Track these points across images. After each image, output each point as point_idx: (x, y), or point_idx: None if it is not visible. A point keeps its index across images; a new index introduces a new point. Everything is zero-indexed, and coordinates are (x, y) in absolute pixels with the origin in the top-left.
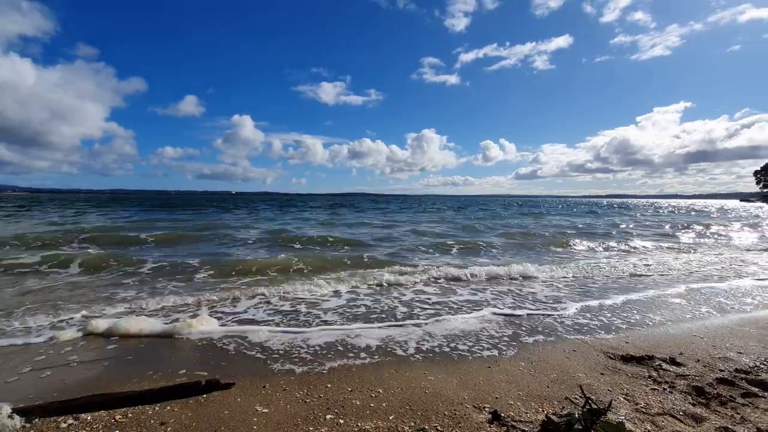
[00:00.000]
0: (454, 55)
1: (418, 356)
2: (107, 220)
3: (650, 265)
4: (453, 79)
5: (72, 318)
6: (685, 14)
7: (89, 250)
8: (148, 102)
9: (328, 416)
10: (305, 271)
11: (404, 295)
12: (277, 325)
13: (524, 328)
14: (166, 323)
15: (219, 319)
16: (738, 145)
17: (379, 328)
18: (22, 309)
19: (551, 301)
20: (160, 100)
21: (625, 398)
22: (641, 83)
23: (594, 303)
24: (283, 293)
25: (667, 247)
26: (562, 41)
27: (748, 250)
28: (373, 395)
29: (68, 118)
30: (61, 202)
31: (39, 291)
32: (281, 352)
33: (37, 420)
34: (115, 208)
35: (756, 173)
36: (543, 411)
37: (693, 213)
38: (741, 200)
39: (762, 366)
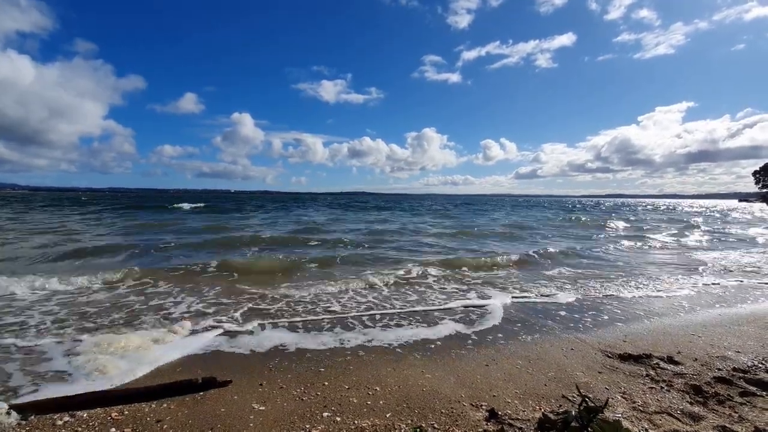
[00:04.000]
0: (456, 53)
1: (416, 354)
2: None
3: None
4: (454, 78)
5: None
6: (690, 12)
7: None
8: (147, 100)
9: (325, 414)
10: None
11: None
12: None
13: (522, 326)
14: None
15: None
16: (739, 145)
17: None
18: None
19: None
20: (159, 97)
21: (622, 396)
22: (644, 82)
23: None
24: None
25: None
26: (566, 39)
27: None
28: (370, 393)
29: (67, 115)
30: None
31: None
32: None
33: (33, 417)
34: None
35: (755, 173)
36: (540, 409)
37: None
38: (740, 200)
39: (760, 365)
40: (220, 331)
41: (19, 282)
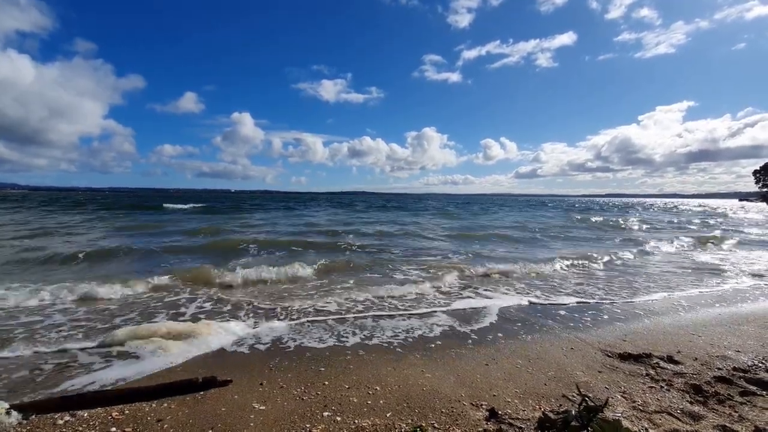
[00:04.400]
0: (457, 53)
1: (416, 354)
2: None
3: None
4: (455, 77)
5: None
6: (691, 11)
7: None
8: (146, 99)
9: (326, 413)
10: None
11: None
12: None
13: (522, 325)
14: None
15: None
16: (740, 144)
17: None
18: None
19: None
20: (159, 97)
21: (622, 396)
22: (644, 82)
23: None
24: None
25: None
26: (567, 38)
27: None
28: (370, 392)
29: (67, 115)
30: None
31: None
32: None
33: (33, 416)
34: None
35: (755, 173)
36: (540, 408)
37: None
38: (740, 200)
39: (760, 365)
40: (241, 327)
41: (31, 288)
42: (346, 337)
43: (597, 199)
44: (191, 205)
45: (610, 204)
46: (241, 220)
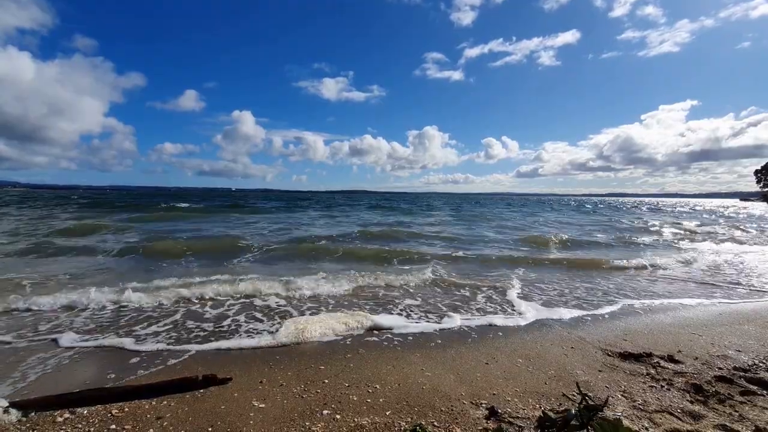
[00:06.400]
0: (459, 51)
1: (416, 352)
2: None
3: None
4: (457, 76)
5: None
6: (696, 9)
7: None
8: (147, 97)
9: (325, 411)
10: None
11: None
12: None
13: (523, 324)
14: None
15: None
16: (742, 144)
17: None
18: None
19: None
20: (160, 95)
21: (622, 395)
22: (648, 80)
23: None
24: None
25: None
26: (570, 36)
27: None
28: (370, 391)
29: (67, 113)
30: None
31: None
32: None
33: (33, 414)
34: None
35: (756, 172)
36: (540, 407)
37: None
38: (741, 199)
39: (761, 364)
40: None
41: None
42: (345, 335)
43: (608, 199)
44: (189, 204)
45: (627, 204)
46: (258, 223)
